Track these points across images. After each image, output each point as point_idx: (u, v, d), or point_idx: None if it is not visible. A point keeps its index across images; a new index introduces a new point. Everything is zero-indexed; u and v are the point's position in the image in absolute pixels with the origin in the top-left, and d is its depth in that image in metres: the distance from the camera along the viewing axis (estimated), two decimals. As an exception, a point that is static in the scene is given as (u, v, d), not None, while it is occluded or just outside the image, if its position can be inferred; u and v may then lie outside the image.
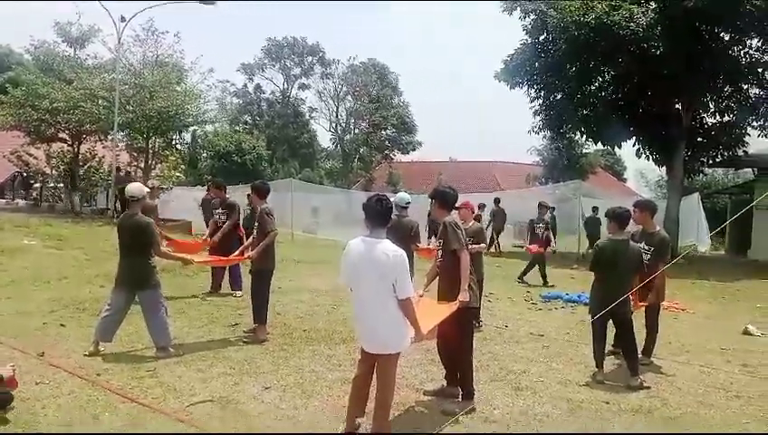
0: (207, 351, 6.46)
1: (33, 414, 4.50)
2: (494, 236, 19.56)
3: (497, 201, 20.30)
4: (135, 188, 6.43)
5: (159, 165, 23.26)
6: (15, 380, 4.60)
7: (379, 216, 4.28)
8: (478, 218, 10.16)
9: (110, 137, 21.73)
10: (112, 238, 14.18)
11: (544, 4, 18.23)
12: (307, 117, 43.03)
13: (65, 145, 22.25)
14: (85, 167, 22.43)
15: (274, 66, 42.88)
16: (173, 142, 24.56)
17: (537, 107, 20.69)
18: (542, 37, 19.40)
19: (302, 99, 43.69)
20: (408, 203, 8.37)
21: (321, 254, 16.71)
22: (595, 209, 17.55)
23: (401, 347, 4.32)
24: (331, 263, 14.72)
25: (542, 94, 20.39)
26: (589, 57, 17.93)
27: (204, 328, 7.53)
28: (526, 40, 19.92)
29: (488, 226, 19.40)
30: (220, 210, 9.94)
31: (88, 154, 22.58)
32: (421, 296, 5.06)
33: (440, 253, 5.26)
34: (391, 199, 4.97)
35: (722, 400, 5.64)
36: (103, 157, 23.19)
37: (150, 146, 21.96)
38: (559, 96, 20.05)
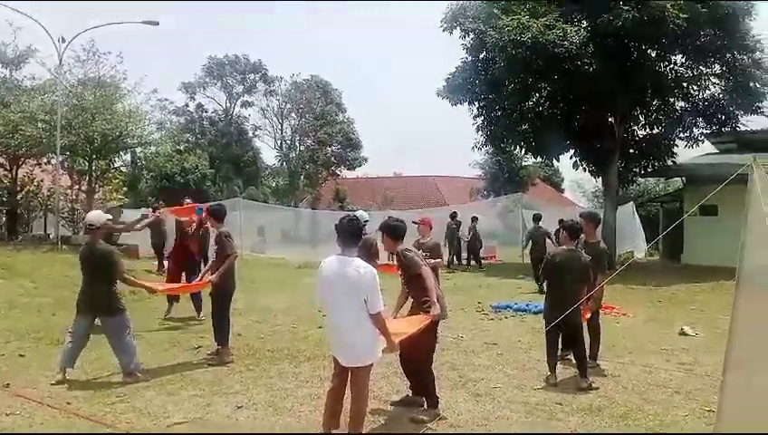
0: (174, 374, 6.53)
1: (10, 445, 4.52)
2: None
3: (453, 215, 20.61)
4: (94, 216, 6.42)
5: (102, 188, 22.76)
6: (-11, 412, 4.62)
7: (351, 235, 4.54)
8: None
9: (52, 160, 21.15)
10: (58, 265, 14.01)
11: (483, 23, 18.66)
12: (251, 135, 42.82)
13: (1, 169, 21.52)
14: (23, 192, 21.74)
15: (216, 84, 42.51)
16: (115, 164, 24.09)
17: (479, 123, 21.24)
18: (481, 55, 19.87)
19: (245, 116, 43.46)
20: (367, 221, 8.67)
21: (273, 273, 16.77)
22: (561, 222, 17.93)
23: (374, 358, 4.59)
24: (284, 282, 14.87)
25: (483, 111, 20.93)
26: (526, 74, 18.43)
27: (167, 352, 7.57)
28: (466, 58, 20.47)
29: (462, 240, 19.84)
30: None
31: (26, 178, 21.90)
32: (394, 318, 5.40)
33: (403, 282, 5.58)
34: None
35: (663, 396, 6.13)
36: (42, 181, 22.51)
37: (93, 169, 21.46)
38: (499, 112, 20.60)
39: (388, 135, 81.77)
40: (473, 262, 20.02)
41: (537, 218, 15.57)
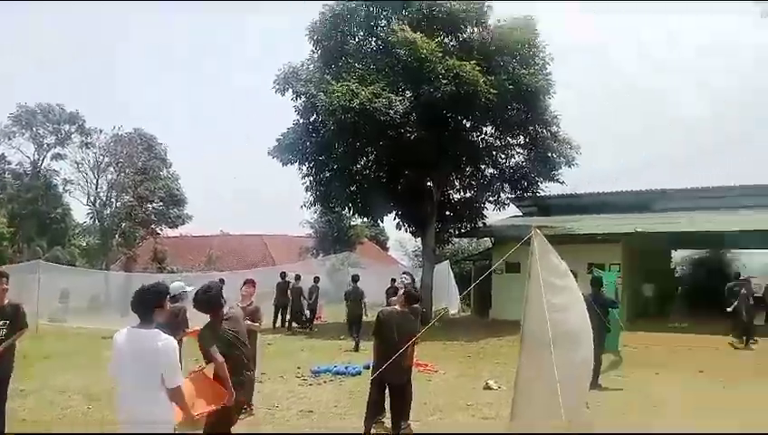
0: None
1: None
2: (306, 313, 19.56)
3: (294, 277, 20.22)
4: None
5: None
6: None
7: (146, 306, 4.22)
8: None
9: None
10: None
11: (314, 87, 18.97)
12: (61, 190, 39.09)
13: None
14: None
15: (24, 134, 38.52)
16: None
17: (308, 183, 21.43)
18: (312, 118, 20.18)
19: (55, 170, 39.65)
20: (183, 292, 8.17)
21: (74, 345, 15.08)
22: (393, 281, 17.28)
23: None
24: (85, 355, 13.26)
25: (312, 171, 21.17)
26: (355, 139, 19.08)
27: None
28: (298, 120, 20.68)
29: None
30: None
31: None
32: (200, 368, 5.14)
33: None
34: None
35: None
36: None
37: None
38: (328, 173, 20.91)
39: (215, 192, 79.11)
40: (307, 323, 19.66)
41: (355, 280, 16.02)
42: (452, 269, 24.66)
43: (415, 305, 7.57)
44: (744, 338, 14.94)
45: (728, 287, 16.15)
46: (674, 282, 25.04)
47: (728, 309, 15.22)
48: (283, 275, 20.42)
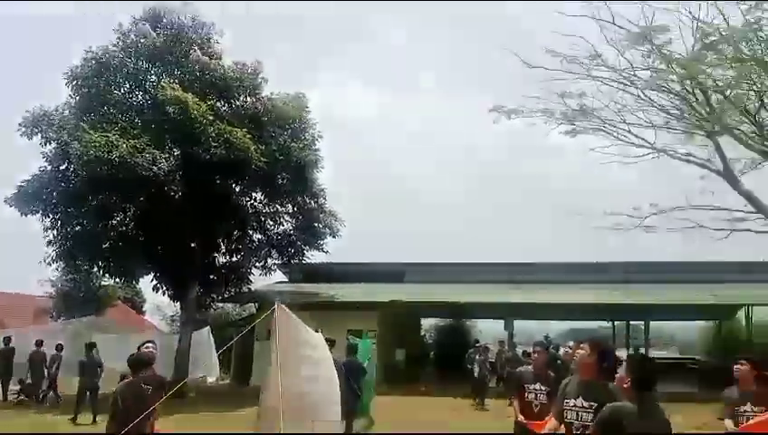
0: None
1: None
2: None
3: (35, 342, 18.06)
4: None
5: None
6: None
7: None
8: None
9: None
10: None
11: (68, 134, 17.47)
12: None
13: None
14: None
15: None
16: None
17: (52, 237, 19.32)
18: (62, 166, 18.53)
19: None
20: None
21: None
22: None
23: None
24: None
25: (57, 224, 19.20)
26: (111, 193, 17.90)
27: None
28: (45, 167, 18.76)
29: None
30: None
31: None
32: None
33: None
34: None
35: None
36: None
37: None
38: (77, 227, 19.15)
39: None
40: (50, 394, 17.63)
41: (90, 347, 14.75)
42: (213, 335, 23.76)
43: (157, 376, 7.18)
44: (481, 399, 16.87)
45: (468, 354, 18.35)
46: (424, 348, 27.15)
47: (475, 375, 17.19)
48: (7, 340, 18.10)
